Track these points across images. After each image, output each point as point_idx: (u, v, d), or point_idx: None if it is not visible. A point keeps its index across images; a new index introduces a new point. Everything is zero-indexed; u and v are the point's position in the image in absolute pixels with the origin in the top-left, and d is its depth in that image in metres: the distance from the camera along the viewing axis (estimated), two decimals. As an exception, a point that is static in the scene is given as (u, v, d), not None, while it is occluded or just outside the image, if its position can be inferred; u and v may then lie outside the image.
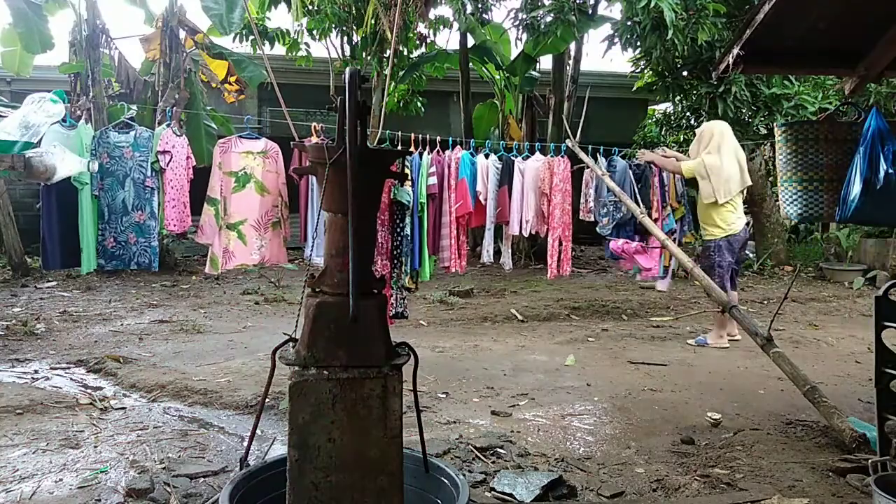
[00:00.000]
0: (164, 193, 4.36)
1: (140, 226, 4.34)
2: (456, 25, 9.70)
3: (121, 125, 4.41)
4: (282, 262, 4.61)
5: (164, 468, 2.84)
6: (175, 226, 4.43)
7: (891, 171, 2.89)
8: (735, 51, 3.13)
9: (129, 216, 4.31)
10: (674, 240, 5.81)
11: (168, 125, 4.52)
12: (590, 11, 8.49)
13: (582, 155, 5.43)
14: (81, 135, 4.18)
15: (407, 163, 4.62)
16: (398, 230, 4.49)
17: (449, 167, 4.98)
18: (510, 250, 5.82)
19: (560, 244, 5.63)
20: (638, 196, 5.62)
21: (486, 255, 5.39)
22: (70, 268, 4.39)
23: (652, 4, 6.51)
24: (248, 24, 8.29)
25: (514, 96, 10.38)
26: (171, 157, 4.37)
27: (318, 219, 4.33)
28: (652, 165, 5.69)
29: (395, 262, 4.48)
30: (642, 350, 5.08)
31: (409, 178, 4.61)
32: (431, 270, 4.88)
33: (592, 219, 7.17)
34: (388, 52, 8.61)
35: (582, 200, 7.31)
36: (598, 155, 5.85)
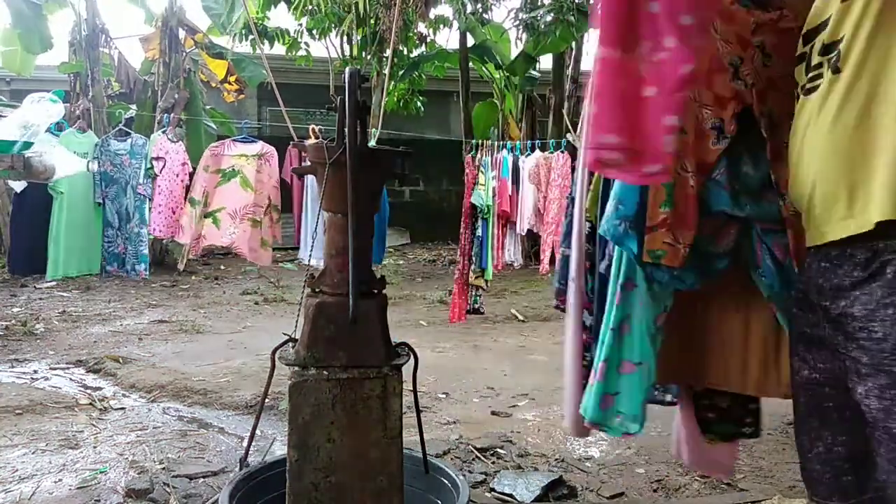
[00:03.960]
0: (152, 199, 4.37)
1: (138, 233, 4.37)
2: (456, 25, 9.70)
3: (119, 133, 4.43)
4: (261, 260, 4.62)
5: (163, 468, 2.84)
6: (161, 231, 4.44)
7: None
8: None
9: (131, 222, 4.35)
10: None
11: (163, 131, 4.53)
12: (589, 11, 8.49)
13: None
14: (66, 142, 4.16)
15: (483, 167, 5.10)
16: (474, 231, 4.93)
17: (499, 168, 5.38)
18: (519, 246, 5.90)
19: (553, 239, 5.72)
20: None
21: (508, 254, 5.59)
22: (36, 274, 4.42)
23: None
24: (248, 23, 8.29)
25: (514, 96, 10.38)
26: (165, 164, 4.39)
27: (318, 220, 4.37)
28: None
29: (469, 261, 4.90)
30: (642, 350, 5.08)
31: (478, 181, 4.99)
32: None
33: None
34: (387, 51, 8.62)
35: None
36: None
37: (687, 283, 1.62)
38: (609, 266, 1.72)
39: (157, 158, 4.35)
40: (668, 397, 1.91)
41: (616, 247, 1.63)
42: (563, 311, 1.91)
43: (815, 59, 1.23)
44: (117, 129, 4.50)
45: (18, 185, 4.22)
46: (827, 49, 1.20)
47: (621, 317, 1.63)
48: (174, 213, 4.43)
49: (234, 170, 4.42)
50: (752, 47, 1.54)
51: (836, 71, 1.17)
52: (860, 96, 1.14)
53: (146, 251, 4.43)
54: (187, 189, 4.51)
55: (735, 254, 1.62)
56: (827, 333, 1.22)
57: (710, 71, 1.53)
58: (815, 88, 1.22)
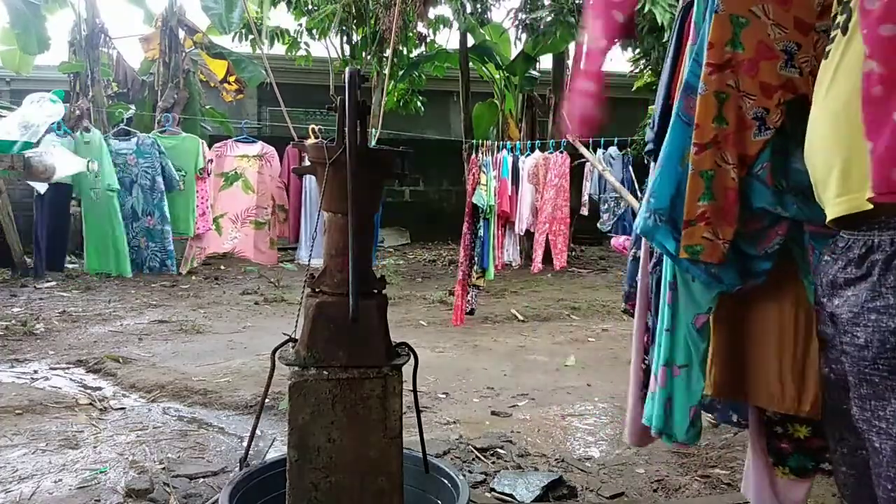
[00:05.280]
0: (197, 199, 4.42)
1: (150, 230, 4.36)
2: (456, 25, 9.70)
3: (120, 132, 4.44)
4: (269, 261, 4.65)
5: (163, 468, 2.84)
6: (202, 229, 4.51)
7: None
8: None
9: (140, 221, 4.35)
10: None
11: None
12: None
13: (582, 149, 5.46)
14: (96, 143, 4.18)
15: (484, 167, 5.06)
16: (476, 232, 4.95)
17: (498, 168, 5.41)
18: (518, 247, 5.91)
19: (547, 239, 5.75)
20: (638, 191, 5.68)
21: (507, 254, 5.60)
22: (58, 272, 4.48)
23: (645, 9, 6.51)
24: (248, 23, 8.29)
25: (514, 96, 10.38)
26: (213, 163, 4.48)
27: (318, 220, 4.40)
28: None
29: (471, 262, 4.90)
30: (642, 350, 5.08)
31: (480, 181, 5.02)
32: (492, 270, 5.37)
33: (587, 213, 7.22)
34: (387, 51, 8.62)
35: (584, 195, 7.34)
36: (597, 149, 5.88)
37: (726, 283, 1.50)
38: (657, 264, 1.66)
39: (210, 160, 4.44)
40: (735, 417, 1.73)
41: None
42: (632, 315, 1.83)
43: (838, 19, 1.10)
44: (118, 128, 4.51)
45: (41, 187, 4.20)
46: (844, 7, 1.08)
47: (671, 316, 1.55)
48: (203, 214, 4.50)
49: (236, 173, 4.45)
50: (816, 32, 1.41)
51: (845, 31, 1.05)
52: (856, 58, 1.01)
53: (171, 247, 4.44)
54: None
55: (781, 256, 1.49)
56: (830, 332, 1.14)
57: (756, 58, 1.43)
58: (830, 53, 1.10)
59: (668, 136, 1.55)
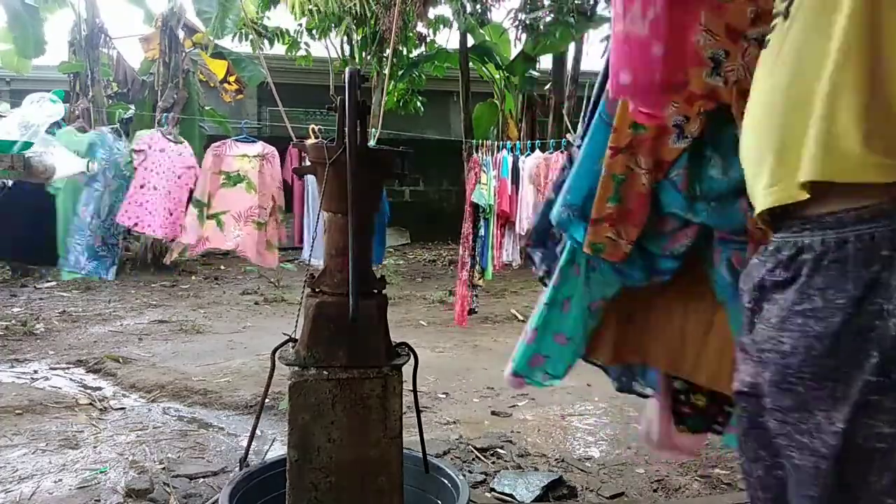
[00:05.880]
0: (139, 194, 4.22)
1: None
2: (456, 25, 9.71)
3: (114, 132, 4.41)
4: (267, 263, 4.58)
5: (163, 468, 2.84)
6: (156, 231, 4.30)
7: None
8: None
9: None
10: None
11: (160, 129, 4.49)
12: (588, 12, 8.49)
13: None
14: (66, 141, 4.10)
15: (485, 167, 5.16)
16: (477, 231, 4.96)
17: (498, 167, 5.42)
18: (518, 247, 5.91)
19: None
20: None
21: (507, 254, 5.60)
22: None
23: None
24: (244, 25, 8.30)
25: (514, 96, 10.39)
26: (146, 157, 4.29)
27: (318, 220, 4.39)
28: None
29: (472, 261, 4.91)
30: (642, 350, 5.08)
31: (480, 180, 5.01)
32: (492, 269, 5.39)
33: None
34: (387, 51, 8.62)
35: None
36: None
37: (633, 279, 1.62)
38: (563, 249, 1.76)
39: (138, 151, 4.29)
40: (649, 391, 1.93)
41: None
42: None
43: (777, 6, 1.03)
44: (112, 128, 4.49)
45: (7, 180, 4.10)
46: None
47: (555, 295, 1.75)
48: (171, 214, 4.36)
49: (239, 174, 4.40)
50: (746, 40, 1.38)
51: (786, 16, 0.99)
52: (797, 43, 0.96)
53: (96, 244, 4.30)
54: (191, 192, 4.48)
55: (686, 257, 1.57)
56: (748, 342, 1.05)
57: (684, 65, 1.40)
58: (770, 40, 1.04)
59: (588, 134, 1.59)
